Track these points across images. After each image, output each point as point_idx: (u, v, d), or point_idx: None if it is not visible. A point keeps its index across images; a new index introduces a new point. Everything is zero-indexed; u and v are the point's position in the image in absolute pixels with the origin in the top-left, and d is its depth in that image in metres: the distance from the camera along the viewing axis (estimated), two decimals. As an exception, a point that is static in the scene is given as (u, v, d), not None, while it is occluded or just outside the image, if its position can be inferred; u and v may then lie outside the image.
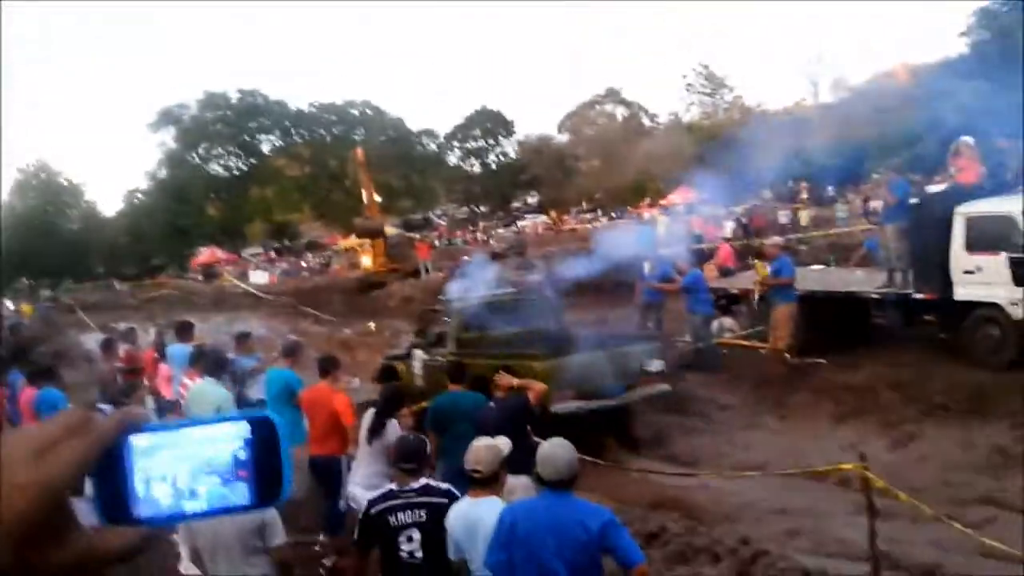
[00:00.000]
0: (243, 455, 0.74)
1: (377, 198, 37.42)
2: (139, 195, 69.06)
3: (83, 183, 67.27)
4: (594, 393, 9.58)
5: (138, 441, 0.72)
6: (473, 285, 12.56)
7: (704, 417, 10.97)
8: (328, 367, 8.05)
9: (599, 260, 21.48)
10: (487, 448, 4.59)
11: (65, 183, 65.99)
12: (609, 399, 9.73)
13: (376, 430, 6.84)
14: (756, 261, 15.62)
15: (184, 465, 0.73)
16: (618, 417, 9.86)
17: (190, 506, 0.73)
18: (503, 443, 4.77)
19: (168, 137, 69.00)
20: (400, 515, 4.61)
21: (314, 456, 7.53)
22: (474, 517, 4.38)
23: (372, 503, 4.81)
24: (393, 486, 4.91)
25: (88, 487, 0.71)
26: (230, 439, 0.74)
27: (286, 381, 8.14)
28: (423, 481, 4.80)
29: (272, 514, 4.65)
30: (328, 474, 7.35)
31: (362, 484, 6.76)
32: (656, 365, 10.34)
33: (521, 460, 5.99)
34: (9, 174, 64.37)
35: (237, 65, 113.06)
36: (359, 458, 7.00)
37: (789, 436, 10.07)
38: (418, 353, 11.69)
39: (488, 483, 4.49)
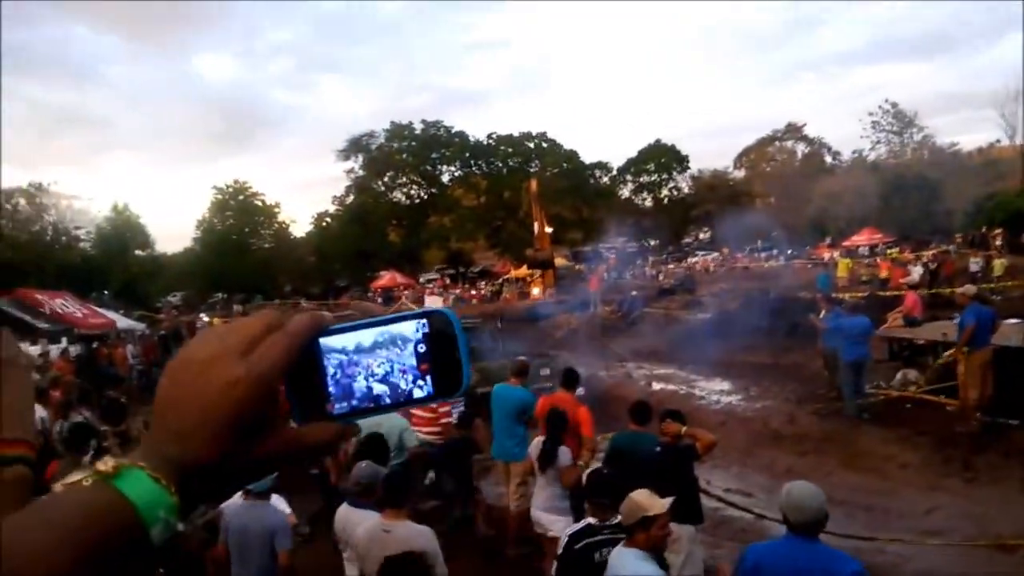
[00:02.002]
0: (423, 349, 0.77)
1: (548, 229, 37.79)
2: (328, 219, 72.77)
3: (276, 204, 71.33)
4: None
5: (328, 340, 0.76)
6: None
7: (882, 475, 10.47)
8: (573, 379, 8.47)
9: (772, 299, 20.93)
10: (628, 501, 4.47)
11: (260, 204, 69.97)
12: None
13: (546, 458, 7.03)
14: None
15: (370, 361, 0.77)
16: None
17: (379, 399, 0.77)
18: (664, 501, 4.64)
19: (356, 165, 72.76)
20: (604, 551, 4.57)
21: None
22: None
23: (574, 538, 4.84)
24: (592, 521, 4.94)
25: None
26: (411, 335, 0.77)
27: (520, 399, 8.44)
28: (618, 518, 4.84)
29: (434, 545, 4.81)
30: None
31: (542, 507, 7.01)
32: (545, 371, 14.12)
33: (686, 509, 5.95)
34: (208, 194, 69.50)
35: (421, 97, 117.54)
36: (537, 483, 7.24)
37: (975, 501, 9.43)
38: None
39: (629, 533, 4.40)
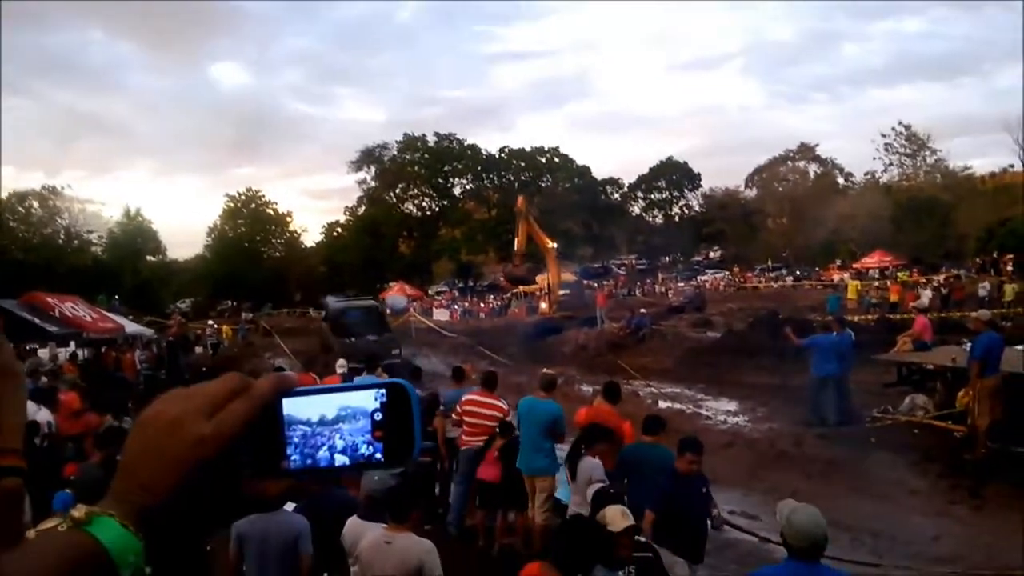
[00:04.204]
0: (379, 417, 0.81)
1: (552, 244, 37.89)
2: (339, 229, 73.04)
3: (288, 213, 71.85)
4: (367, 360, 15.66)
5: (289, 401, 0.81)
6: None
7: (889, 500, 10.38)
8: (615, 392, 8.55)
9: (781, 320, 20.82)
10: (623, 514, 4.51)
11: (272, 212, 70.41)
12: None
13: (571, 461, 7.02)
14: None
15: (328, 424, 0.81)
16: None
17: (332, 460, 0.81)
18: (627, 522, 4.66)
19: (368, 176, 73.10)
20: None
21: None
22: None
23: None
24: None
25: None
26: (369, 403, 0.82)
27: (549, 412, 8.40)
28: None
29: (433, 558, 4.85)
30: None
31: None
32: (397, 350, 22.88)
33: (685, 542, 5.87)
34: (221, 202, 70.01)
35: (434, 108, 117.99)
36: (573, 500, 7.12)
37: (982, 529, 9.34)
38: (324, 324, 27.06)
39: None
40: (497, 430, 8.91)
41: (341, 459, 0.81)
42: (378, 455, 0.82)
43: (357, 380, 11.78)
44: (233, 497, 0.78)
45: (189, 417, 0.74)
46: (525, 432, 8.51)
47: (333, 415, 0.81)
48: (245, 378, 0.80)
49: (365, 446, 0.81)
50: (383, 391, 0.82)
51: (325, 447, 0.81)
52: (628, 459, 7.23)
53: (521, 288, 46.83)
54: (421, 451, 6.05)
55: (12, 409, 0.89)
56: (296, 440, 0.80)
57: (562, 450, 8.17)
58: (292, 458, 0.80)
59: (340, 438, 0.81)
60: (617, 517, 4.57)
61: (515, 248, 37.88)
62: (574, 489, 7.06)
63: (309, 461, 0.81)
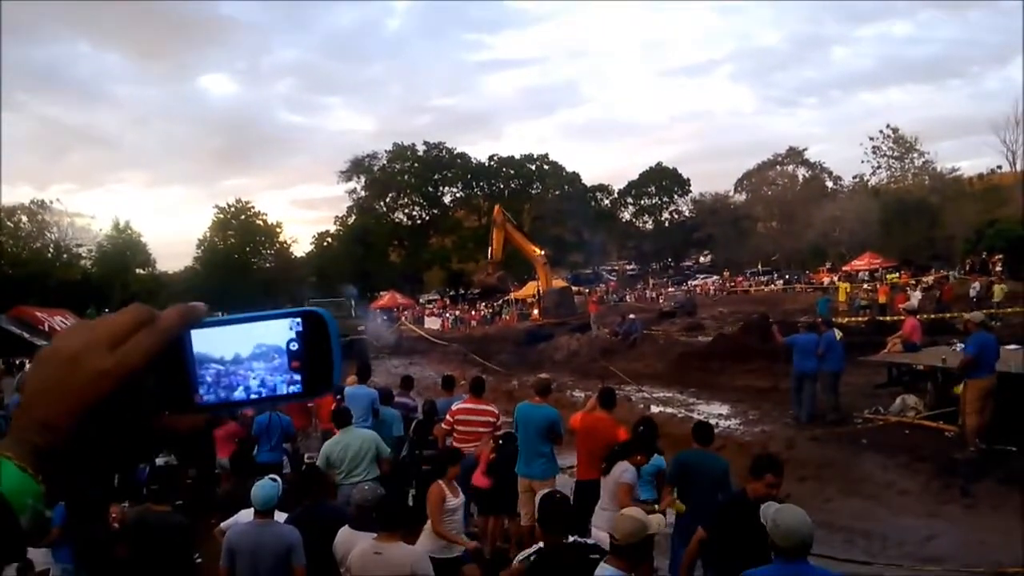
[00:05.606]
0: (296, 347, 0.79)
1: (541, 252, 37.97)
2: (329, 239, 72.95)
3: (278, 224, 71.83)
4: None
5: (199, 333, 0.77)
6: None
7: (881, 501, 10.40)
8: (611, 399, 8.58)
9: (771, 323, 20.87)
10: (632, 520, 4.49)
11: (262, 223, 70.36)
12: None
13: (607, 466, 7.00)
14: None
15: (241, 356, 0.78)
16: None
17: (247, 393, 0.79)
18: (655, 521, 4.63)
19: (358, 185, 73.02)
20: None
21: (581, 481, 7.88)
22: None
23: (522, 562, 4.86)
24: (541, 546, 4.95)
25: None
26: (284, 332, 0.79)
27: (546, 416, 8.41)
28: (572, 538, 4.85)
29: (424, 566, 4.85)
30: (593, 499, 7.36)
31: (605, 527, 6.80)
32: (362, 327, 27.93)
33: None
34: (210, 213, 69.99)
35: (424, 117, 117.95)
36: (600, 502, 7.08)
37: (974, 528, 9.35)
38: None
39: (621, 553, 4.40)
40: (500, 441, 8.84)
41: (258, 390, 0.79)
42: (297, 386, 0.79)
43: (349, 390, 11.76)
44: (142, 434, 0.75)
45: (90, 350, 0.70)
46: (523, 437, 8.51)
47: (248, 353, 0.78)
48: (151, 309, 0.76)
49: (283, 384, 0.79)
50: (299, 320, 0.80)
51: (240, 387, 0.79)
52: (685, 465, 7.11)
53: (512, 295, 46.86)
54: (425, 459, 6.14)
55: None
56: (210, 379, 0.78)
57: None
58: (204, 391, 0.78)
59: (255, 377, 0.79)
60: (650, 518, 4.55)
61: (488, 257, 37.94)
62: (607, 502, 6.95)
63: (223, 393, 0.78)
